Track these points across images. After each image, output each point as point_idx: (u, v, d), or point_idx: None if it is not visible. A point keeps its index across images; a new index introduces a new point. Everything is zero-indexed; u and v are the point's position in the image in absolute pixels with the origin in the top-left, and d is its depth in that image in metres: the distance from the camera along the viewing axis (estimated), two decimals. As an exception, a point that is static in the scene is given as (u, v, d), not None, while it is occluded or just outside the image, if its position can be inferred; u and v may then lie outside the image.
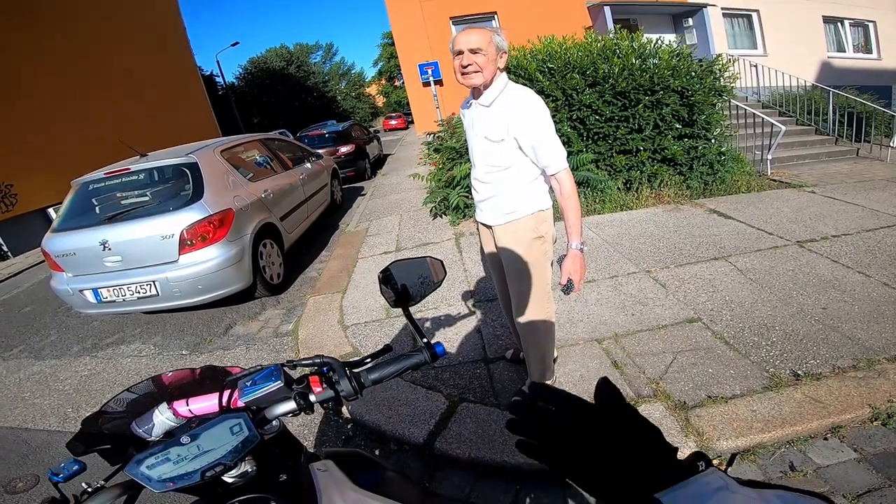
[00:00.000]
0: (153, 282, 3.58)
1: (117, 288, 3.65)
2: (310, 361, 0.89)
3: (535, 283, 1.99)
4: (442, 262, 1.13)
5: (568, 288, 1.78)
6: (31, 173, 10.13)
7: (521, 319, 2.08)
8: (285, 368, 0.88)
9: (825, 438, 1.96)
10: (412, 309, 1.06)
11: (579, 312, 3.07)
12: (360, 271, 4.43)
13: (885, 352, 2.33)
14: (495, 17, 11.61)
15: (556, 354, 2.46)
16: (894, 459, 1.81)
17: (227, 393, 0.85)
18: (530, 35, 6.13)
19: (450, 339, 2.99)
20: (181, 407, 0.84)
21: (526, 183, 1.88)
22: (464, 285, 3.73)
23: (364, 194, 8.55)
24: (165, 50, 16.61)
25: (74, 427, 2.83)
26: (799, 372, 2.25)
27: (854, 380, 2.16)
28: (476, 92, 1.85)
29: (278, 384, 0.82)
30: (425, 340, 0.96)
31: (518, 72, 5.17)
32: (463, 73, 1.75)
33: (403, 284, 1.04)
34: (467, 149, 2.12)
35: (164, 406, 0.83)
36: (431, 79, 10.97)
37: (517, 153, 1.82)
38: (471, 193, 4.56)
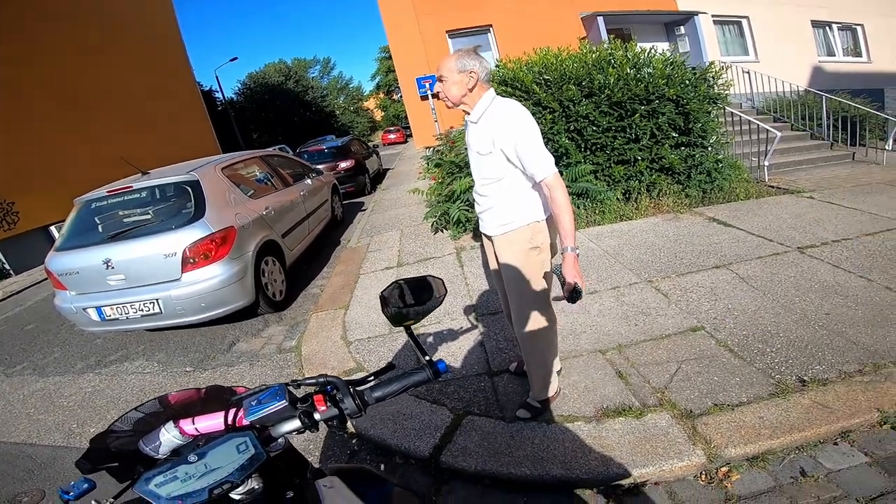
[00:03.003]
0: (156, 300, 3.59)
1: (120, 306, 3.65)
2: (314, 381, 0.91)
3: (532, 294, 2.02)
4: (442, 280, 1.15)
5: (574, 296, 1.74)
6: (32, 191, 10.20)
7: (521, 330, 2.11)
8: (290, 388, 0.89)
9: (835, 443, 1.95)
10: (414, 326, 1.07)
11: (582, 324, 3.06)
12: (362, 287, 4.43)
13: (890, 355, 2.33)
14: (490, 30, 11.76)
15: (559, 367, 2.46)
16: (905, 462, 1.80)
17: (232, 412, 0.86)
18: (526, 47, 6.21)
19: (453, 353, 2.99)
20: (187, 425, 0.85)
21: (520, 194, 1.93)
22: (466, 299, 3.73)
23: (364, 210, 8.58)
24: (165, 66, 16.78)
25: (79, 442, 2.88)
26: (805, 378, 2.25)
27: (861, 384, 2.15)
28: (466, 110, 1.95)
29: (283, 403, 0.84)
30: (427, 358, 0.98)
31: (515, 84, 5.22)
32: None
33: (404, 304, 1.05)
34: (467, 163, 2.18)
35: (170, 425, 0.84)
36: (429, 92, 11.06)
37: (507, 165, 1.88)
38: (471, 207, 4.61)
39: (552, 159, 1.83)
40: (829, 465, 1.86)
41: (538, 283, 2.01)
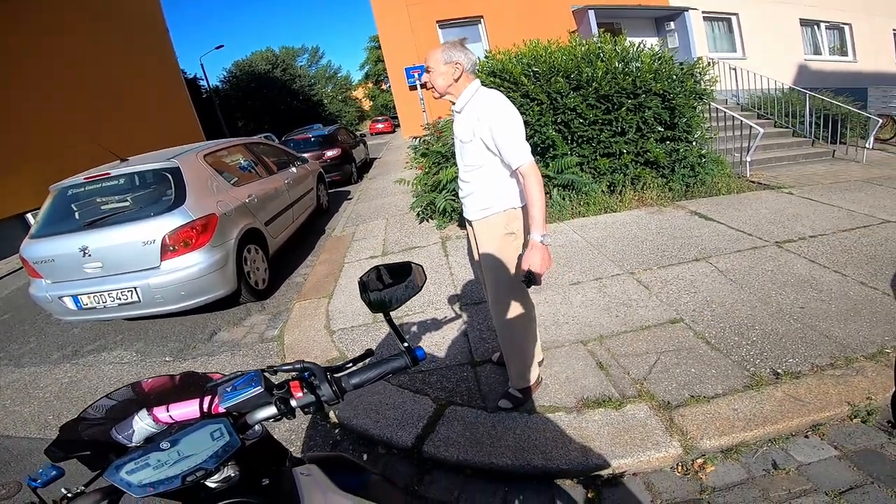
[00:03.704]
0: (134, 288, 3.52)
1: (97, 294, 3.58)
2: (290, 367, 0.89)
3: (507, 279, 2.07)
4: (422, 266, 1.13)
5: (529, 280, 1.83)
6: (8, 178, 9.88)
7: (496, 315, 2.16)
8: (266, 374, 0.88)
9: (806, 436, 1.98)
10: (393, 313, 1.06)
11: (565, 314, 3.09)
12: (346, 276, 4.41)
13: (862, 349, 2.38)
14: (481, 21, 11.66)
15: (542, 357, 2.48)
16: (874, 456, 1.84)
17: (207, 399, 0.85)
18: (516, 39, 6.18)
19: (436, 343, 2.99)
20: (161, 413, 0.84)
21: (498, 181, 1.99)
22: (450, 289, 3.74)
23: (350, 198, 8.53)
24: (148, 52, 16.34)
25: (55, 434, 2.76)
26: (779, 370, 2.29)
27: (833, 378, 2.20)
28: (451, 100, 2.02)
29: (258, 389, 0.83)
30: (406, 345, 0.97)
31: (503, 75, 5.20)
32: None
33: (384, 290, 1.04)
34: (454, 153, 2.20)
35: (143, 412, 0.83)
36: (418, 83, 10.95)
37: (486, 153, 1.94)
38: (457, 197, 4.61)
39: (528, 149, 1.88)
40: (800, 458, 1.89)
41: (513, 269, 2.06)
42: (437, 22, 11.39)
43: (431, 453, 2.12)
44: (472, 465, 2.04)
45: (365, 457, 2.25)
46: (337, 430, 2.46)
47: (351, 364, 0.98)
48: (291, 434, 2.47)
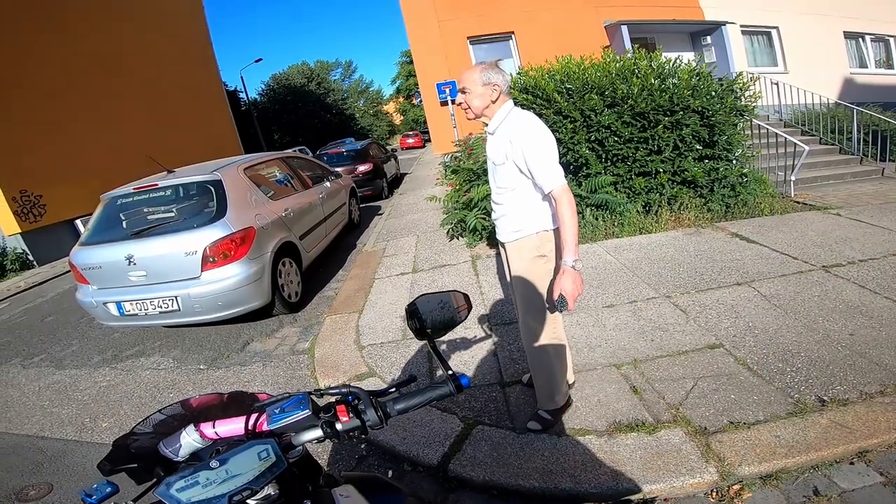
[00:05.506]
0: (175, 297, 3.65)
1: (140, 302, 3.73)
2: (337, 391, 0.91)
3: (538, 302, 2.05)
4: (467, 295, 1.14)
5: (559, 304, 1.78)
6: (59, 185, 10.46)
7: (526, 337, 2.15)
8: (312, 397, 0.90)
9: (851, 463, 1.91)
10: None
11: (598, 337, 3.03)
12: (376, 291, 4.45)
13: (915, 379, 2.25)
14: (512, 37, 11.74)
15: (573, 379, 2.44)
16: (922, 483, 1.76)
17: (253, 417, 0.87)
18: (548, 55, 6.18)
19: (466, 362, 2.98)
20: (208, 429, 0.86)
21: (531, 203, 1.98)
22: (480, 308, 3.71)
23: (381, 214, 8.64)
24: (193, 65, 17.15)
25: (91, 437, 2.92)
26: (825, 398, 2.20)
27: (882, 405, 2.10)
28: (485, 122, 2.01)
29: (307, 412, 0.85)
30: (450, 372, 0.97)
31: (536, 92, 5.20)
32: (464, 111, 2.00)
33: (429, 318, 1.05)
34: (485, 170, 2.21)
35: (191, 427, 0.85)
36: (449, 98, 11.07)
37: (519, 175, 1.93)
38: (488, 216, 4.61)
39: (561, 172, 1.86)
40: (843, 485, 1.82)
41: (543, 291, 2.03)
42: (469, 38, 11.53)
43: (457, 472, 2.10)
44: (499, 487, 2.02)
45: (390, 473, 2.23)
46: (363, 445, 2.45)
47: (394, 389, 0.99)
48: (319, 446, 2.49)
